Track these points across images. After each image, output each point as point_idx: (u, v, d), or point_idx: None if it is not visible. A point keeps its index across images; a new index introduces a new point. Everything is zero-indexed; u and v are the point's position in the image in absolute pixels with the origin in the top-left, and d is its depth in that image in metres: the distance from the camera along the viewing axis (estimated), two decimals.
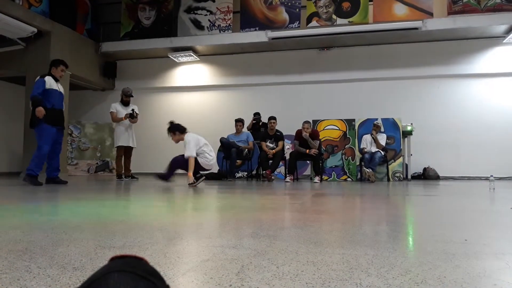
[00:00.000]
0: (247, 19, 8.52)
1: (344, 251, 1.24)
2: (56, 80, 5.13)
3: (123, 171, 6.64)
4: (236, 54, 9.18)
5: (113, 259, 0.46)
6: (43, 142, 4.87)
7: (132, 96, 6.89)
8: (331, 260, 1.12)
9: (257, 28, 8.40)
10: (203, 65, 9.46)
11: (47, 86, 4.94)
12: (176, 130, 5.22)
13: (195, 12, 8.86)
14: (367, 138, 7.08)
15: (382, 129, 7.18)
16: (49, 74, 5.09)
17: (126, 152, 6.71)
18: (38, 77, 5.03)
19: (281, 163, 7.32)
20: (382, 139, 6.97)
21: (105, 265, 0.45)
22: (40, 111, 4.75)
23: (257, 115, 8.13)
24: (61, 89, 5.24)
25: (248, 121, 7.98)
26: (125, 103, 6.75)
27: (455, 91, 8.27)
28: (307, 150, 6.61)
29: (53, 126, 4.97)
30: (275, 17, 8.39)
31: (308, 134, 6.60)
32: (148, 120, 9.79)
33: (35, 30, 7.28)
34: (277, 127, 7.19)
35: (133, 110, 6.63)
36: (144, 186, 4.99)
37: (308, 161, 7.79)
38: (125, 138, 6.59)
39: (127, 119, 6.54)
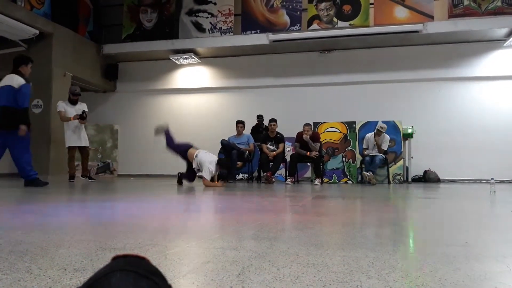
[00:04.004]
0: (248, 22, 8.53)
1: (344, 253, 1.24)
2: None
3: (75, 172, 6.46)
4: (237, 56, 9.19)
5: (115, 259, 0.46)
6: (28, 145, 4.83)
7: (80, 95, 6.62)
8: (332, 262, 1.12)
9: (258, 31, 8.41)
10: (204, 67, 9.47)
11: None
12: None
13: (197, 14, 8.88)
14: (370, 138, 7.04)
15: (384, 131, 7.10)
16: (19, 72, 4.75)
17: (82, 152, 6.51)
18: (22, 81, 4.63)
19: (281, 165, 7.32)
20: (386, 141, 6.90)
21: (107, 264, 0.45)
22: (23, 130, 4.62)
23: (260, 117, 8.15)
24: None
25: (249, 123, 7.99)
26: (72, 101, 6.46)
27: (456, 94, 8.26)
28: (308, 153, 6.60)
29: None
30: (276, 20, 8.41)
31: (308, 137, 6.60)
32: (150, 122, 9.79)
33: (37, 32, 7.29)
34: (278, 129, 7.19)
35: (83, 111, 6.37)
36: (144, 188, 4.99)
37: (308, 164, 7.78)
38: (75, 138, 6.37)
39: (77, 120, 6.29)
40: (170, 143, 5.72)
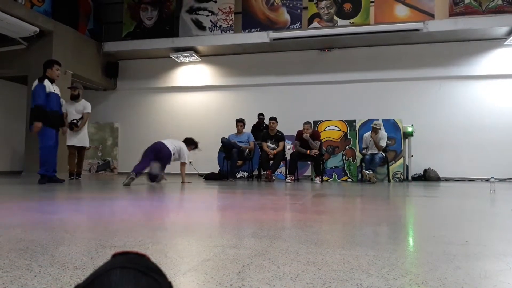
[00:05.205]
0: (248, 20, 8.52)
1: (344, 252, 1.24)
2: (52, 82, 5.10)
3: (75, 170, 6.42)
4: (237, 54, 9.18)
5: (115, 256, 0.46)
6: (46, 143, 5.00)
7: (76, 88, 6.41)
8: (332, 260, 1.12)
9: (258, 29, 8.40)
10: (204, 66, 9.46)
11: (47, 90, 4.93)
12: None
13: (197, 12, 8.87)
14: (367, 137, 7.04)
15: (382, 128, 7.08)
16: (45, 76, 5.03)
17: (79, 152, 6.47)
18: (36, 82, 4.94)
19: (282, 163, 7.32)
20: (383, 138, 6.90)
21: (108, 261, 0.45)
22: (37, 127, 4.84)
23: (261, 115, 8.15)
24: (58, 91, 5.21)
25: (249, 121, 7.99)
26: (72, 97, 6.35)
27: (456, 93, 8.26)
28: (308, 151, 6.61)
29: (53, 128, 5.09)
30: (276, 18, 8.40)
31: (308, 135, 6.60)
32: (150, 120, 9.81)
33: (37, 29, 7.28)
34: (278, 128, 7.19)
35: (72, 121, 6.17)
36: (145, 186, 4.99)
37: (308, 162, 7.78)
38: (76, 139, 6.31)
39: (68, 128, 6.09)
40: (141, 167, 5.53)
